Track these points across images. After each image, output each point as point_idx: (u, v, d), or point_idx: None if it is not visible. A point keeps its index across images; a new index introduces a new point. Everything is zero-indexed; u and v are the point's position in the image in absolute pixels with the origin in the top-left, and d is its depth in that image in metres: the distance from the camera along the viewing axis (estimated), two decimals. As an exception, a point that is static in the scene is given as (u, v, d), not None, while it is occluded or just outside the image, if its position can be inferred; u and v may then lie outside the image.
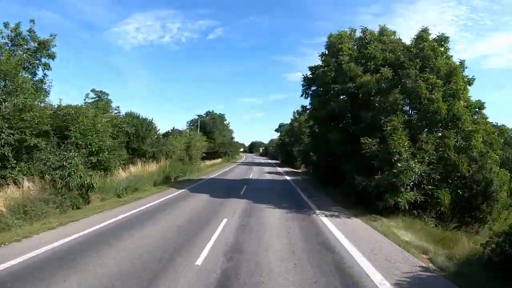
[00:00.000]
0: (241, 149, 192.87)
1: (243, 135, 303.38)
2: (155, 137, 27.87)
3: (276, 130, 53.01)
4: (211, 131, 70.61)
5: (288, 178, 26.45)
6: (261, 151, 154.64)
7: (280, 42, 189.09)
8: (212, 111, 74.96)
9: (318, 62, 17.23)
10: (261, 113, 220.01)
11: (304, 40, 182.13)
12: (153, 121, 29.34)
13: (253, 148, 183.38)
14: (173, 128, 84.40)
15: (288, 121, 53.63)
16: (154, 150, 26.94)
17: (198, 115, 45.17)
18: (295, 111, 49.45)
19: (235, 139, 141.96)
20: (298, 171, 37.15)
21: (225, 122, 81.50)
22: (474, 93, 18.09)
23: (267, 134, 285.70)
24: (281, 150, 52.93)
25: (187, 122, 74.70)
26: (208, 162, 44.18)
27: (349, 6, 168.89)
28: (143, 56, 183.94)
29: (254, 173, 30.63)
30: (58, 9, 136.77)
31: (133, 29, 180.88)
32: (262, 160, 78.17)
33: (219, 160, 56.65)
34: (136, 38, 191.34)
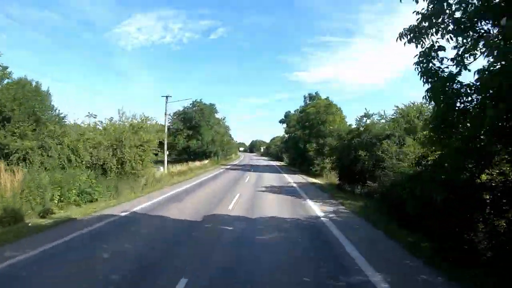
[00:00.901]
0: (241, 149, 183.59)
1: (245, 135, 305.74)
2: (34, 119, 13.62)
3: (281, 121, 38.67)
4: (197, 125, 56.29)
5: (318, 211, 11.14)
6: (262, 150, 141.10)
7: (282, 42, 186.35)
8: (200, 100, 60.71)
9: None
10: (263, 113, 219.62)
11: (307, 39, 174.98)
12: (40, 88, 15.17)
13: (253, 147, 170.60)
14: (156, 122, 69.42)
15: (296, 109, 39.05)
16: (28, 146, 12.69)
17: (166, 96, 30.42)
18: (307, 95, 35.04)
19: (234, 137, 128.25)
20: (320, 182, 22.76)
21: (217, 116, 67.02)
22: None
23: (269, 134, 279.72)
24: (288, 148, 38.26)
25: (169, 114, 60.72)
26: (179, 167, 29.83)
27: (352, 4, 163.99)
28: (145, 56, 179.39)
29: (244, 192, 15.95)
30: (59, 10, 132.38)
31: (134, 29, 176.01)
32: (263, 161, 63.52)
33: (205, 162, 42.27)
34: (138, 38, 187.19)
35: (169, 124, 63.19)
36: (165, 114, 30.49)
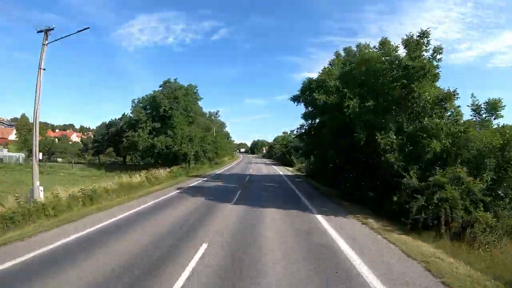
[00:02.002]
0: (243, 150, 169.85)
1: (246, 136, 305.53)
2: None
3: (294, 99, 20.23)
4: (167, 115, 39.10)
5: None
6: (264, 151, 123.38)
7: (285, 42, 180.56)
8: (175, 79, 43.28)
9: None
10: (266, 114, 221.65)
11: (309, 39, 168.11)
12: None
13: (254, 148, 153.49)
14: (123, 114, 50.78)
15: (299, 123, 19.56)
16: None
17: (45, 30, 12.69)
18: (341, 50, 17.26)
19: (232, 137, 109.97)
20: None
21: (200, 105, 49.55)
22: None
23: (272, 135, 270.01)
24: (311, 144, 19.31)
25: (132, 101, 43.30)
26: (73, 189, 12.04)
27: (354, 4, 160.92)
28: (147, 57, 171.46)
29: None
30: (62, 11, 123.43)
31: (137, 30, 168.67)
32: (264, 166, 45.47)
33: (164, 172, 24.66)
34: (140, 39, 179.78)
35: (130, 114, 45.79)
36: (39, 69, 12.72)
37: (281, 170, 36.92)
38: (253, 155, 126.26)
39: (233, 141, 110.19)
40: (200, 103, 47.24)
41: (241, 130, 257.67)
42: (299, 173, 31.36)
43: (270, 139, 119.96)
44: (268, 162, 64.13)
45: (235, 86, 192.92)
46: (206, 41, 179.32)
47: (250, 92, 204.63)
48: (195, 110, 42.81)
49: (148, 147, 37.29)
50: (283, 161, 51.73)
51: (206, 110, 73.40)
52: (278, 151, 63.50)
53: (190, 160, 29.44)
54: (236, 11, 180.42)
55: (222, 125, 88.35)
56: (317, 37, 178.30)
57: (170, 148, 36.09)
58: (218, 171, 30.39)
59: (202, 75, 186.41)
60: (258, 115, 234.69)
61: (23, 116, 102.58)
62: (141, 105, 40.90)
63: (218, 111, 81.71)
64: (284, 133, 59.97)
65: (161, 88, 41.04)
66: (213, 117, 77.71)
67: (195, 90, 42.62)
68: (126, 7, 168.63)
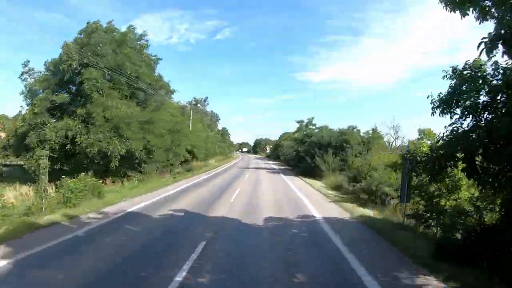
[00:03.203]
0: (245, 149, 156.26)
1: (250, 136, 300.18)
2: None
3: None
4: (79, 81, 19.71)
5: None
6: (268, 151, 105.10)
7: (289, 42, 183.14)
8: (109, 22, 23.39)
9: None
10: (270, 113, 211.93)
11: (313, 39, 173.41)
12: None
13: (257, 147, 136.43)
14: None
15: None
16: None
17: None
18: None
19: (230, 134, 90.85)
20: None
21: (164, 78, 30.15)
22: None
23: (275, 134, 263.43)
24: None
25: (45, 65, 24.80)
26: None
27: (359, 3, 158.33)
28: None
29: None
30: (65, 11, 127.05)
31: (140, 30, 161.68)
32: (266, 180, 25.51)
33: None
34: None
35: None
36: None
37: (309, 197, 17.66)
38: (255, 155, 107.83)
39: (229, 137, 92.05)
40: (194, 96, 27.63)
41: (244, 129, 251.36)
42: (370, 214, 11.83)
43: (274, 138, 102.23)
44: (274, 166, 45.18)
45: (237, 85, 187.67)
46: (210, 41, 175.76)
47: (253, 92, 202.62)
48: (147, 79, 23.87)
49: (41, 140, 18.96)
50: (301, 167, 32.57)
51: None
52: (289, 151, 44.70)
53: (40, 174, 10.75)
54: (241, 11, 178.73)
55: (214, 116, 69.24)
56: (321, 36, 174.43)
57: (77, 141, 17.86)
58: (150, 200, 12.11)
59: (205, 75, 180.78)
60: (261, 114, 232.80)
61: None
62: (52, 69, 22.49)
63: (207, 97, 62.76)
64: (299, 122, 41.11)
65: (81, 35, 22.45)
66: (199, 105, 59.36)
67: (141, 41, 23.78)
68: (130, 7, 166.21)
